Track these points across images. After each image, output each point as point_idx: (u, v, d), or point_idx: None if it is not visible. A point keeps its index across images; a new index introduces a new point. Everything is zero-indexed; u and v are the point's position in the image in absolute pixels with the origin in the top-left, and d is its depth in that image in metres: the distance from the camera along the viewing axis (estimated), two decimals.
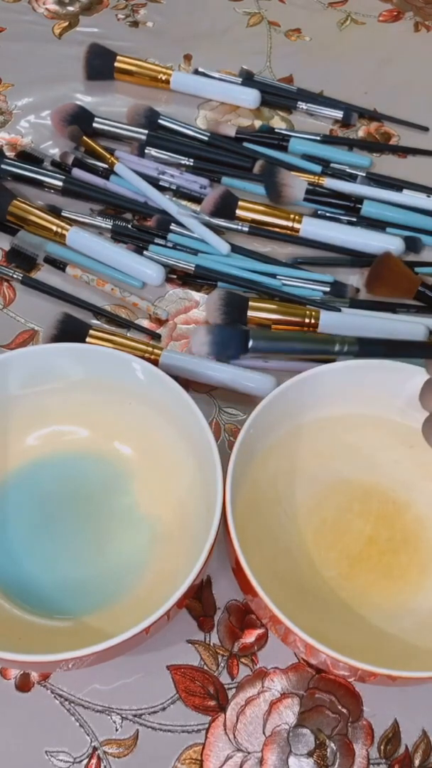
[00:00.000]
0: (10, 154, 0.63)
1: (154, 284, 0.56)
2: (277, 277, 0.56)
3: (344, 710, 0.41)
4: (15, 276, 0.55)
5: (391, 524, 0.45)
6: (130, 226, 0.58)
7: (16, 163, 0.60)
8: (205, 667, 0.42)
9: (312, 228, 0.59)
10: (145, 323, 0.55)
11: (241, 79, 0.69)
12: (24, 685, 0.41)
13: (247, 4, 0.78)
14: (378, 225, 0.60)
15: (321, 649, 0.35)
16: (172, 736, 0.40)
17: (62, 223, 0.57)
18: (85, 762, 0.39)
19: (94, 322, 0.54)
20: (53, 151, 0.64)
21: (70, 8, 0.75)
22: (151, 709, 0.41)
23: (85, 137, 0.62)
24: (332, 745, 0.40)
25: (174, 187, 0.61)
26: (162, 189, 0.60)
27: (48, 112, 0.65)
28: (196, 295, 0.57)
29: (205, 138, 0.64)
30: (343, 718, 0.41)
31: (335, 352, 0.33)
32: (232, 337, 0.33)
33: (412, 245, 0.59)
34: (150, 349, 0.51)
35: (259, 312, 0.53)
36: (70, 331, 0.51)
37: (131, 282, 0.56)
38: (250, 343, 0.33)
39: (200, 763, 0.39)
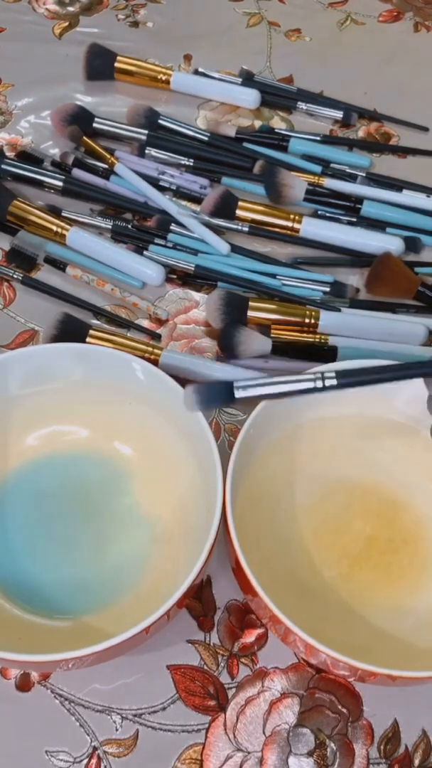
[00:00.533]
0: (10, 154, 0.63)
1: (154, 284, 0.56)
2: (277, 277, 0.56)
3: (344, 710, 0.41)
4: (15, 276, 0.56)
5: (391, 524, 0.45)
6: (130, 226, 0.58)
7: (16, 163, 0.60)
8: (205, 667, 0.42)
9: (312, 228, 0.59)
10: (145, 323, 0.55)
11: (241, 80, 0.69)
12: (24, 685, 0.41)
13: (247, 4, 0.78)
14: (378, 225, 0.60)
15: (321, 649, 0.35)
16: (172, 736, 0.40)
17: (62, 223, 0.57)
18: (85, 762, 0.39)
19: (94, 322, 0.54)
20: (53, 151, 0.64)
21: (70, 8, 0.75)
22: (151, 709, 0.41)
23: (85, 137, 0.62)
24: (332, 744, 0.40)
25: (174, 187, 0.61)
26: (162, 189, 0.60)
27: (48, 112, 0.65)
28: (196, 295, 0.57)
29: (205, 138, 0.64)
30: (343, 717, 0.41)
31: (317, 389, 0.34)
32: (219, 391, 0.35)
33: (412, 245, 0.59)
34: (150, 349, 0.51)
35: (259, 312, 0.53)
36: (70, 331, 0.51)
37: (131, 282, 0.56)
38: (237, 393, 0.34)
39: (200, 763, 0.39)
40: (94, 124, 0.63)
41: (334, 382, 0.34)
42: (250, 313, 0.53)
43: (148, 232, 0.58)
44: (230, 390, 0.34)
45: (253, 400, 0.38)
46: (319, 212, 0.61)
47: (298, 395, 0.35)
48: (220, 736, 0.40)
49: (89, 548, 0.44)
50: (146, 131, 0.63)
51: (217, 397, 0.35)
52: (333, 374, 0.35)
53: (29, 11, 0.75)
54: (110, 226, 0.58)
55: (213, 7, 0.77)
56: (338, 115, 0.68)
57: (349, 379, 0.35)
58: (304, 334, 0.53)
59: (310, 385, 0.35)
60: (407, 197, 0.61)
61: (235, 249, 0.58)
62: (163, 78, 0.68)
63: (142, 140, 0.63)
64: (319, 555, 0.44)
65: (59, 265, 0.57)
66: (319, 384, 0.35)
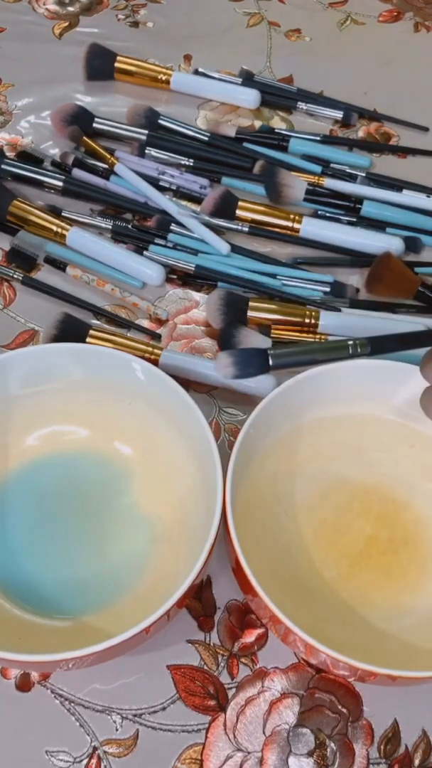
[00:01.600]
0: (10, 154, 0.63)
1: (154, 284, 0.56)
2: (277, 277, 0.56)
3: (344, 710, 0.41)
4: (15, 276, 0.56)
5: (391, 524, 0.45)
6: (130, 226, 0.58)
7: (16, 163, 0.60)
8: (205, 667, 0.42)
9: (312, 228, 0.59)
10: (145, 323, 0.55)
11: (241, 80, 0.69)
12: (24, 685, 0.41)
13: (247, 4, 0.78)
14: (378, 225, 0.60)
15: (321, 649, 0.35)
16: (172, 736, 0.40)
17: (62, 223, 0.57)
18: (85, 762, 0.39)
19: (94, 322, 0.54)
20: (53, 152, 0.64)
21: (70, 8, 0.75)
22: (151, 709, 0.41)
23: (85, 137, 0.62)
24: (332, 744, 0.40)
25: (174, 187, 0.61)
26: (162, 189, 0.60)
27: (48, 112, 0.65)
28: (196, 295, 0.57)
29: (205, 138, 0.64)
30: (343, 717, 0.41)
31: (350, 355, 0.34)
32: (253, 356, 0.34)
33: (412, 245, 0.59)
34: (150, 349, 0.51)
35: (259, 312, 0.53)
36: (70, 331, 0.51)
37: (131, 282, 0.56)
38: (271, 362, 0.34)
39: (200, 763, 0.39)
40: (94, 124, 0.63)
41: (368, 348, 0.34)
42: (250, 313, 0.53)
43: (148, 232, 0.58)
44: (265, 357, 0.34)
45: (254, 399, 0.38)
46: (319, 212, 0.61)
47: (332, 362, 0.35)
48: (220, 736, 0.40)
49: (89, 548, 0.44)
50: (146, 131, 0.63)
51: (252, 361, 0.34)
52: (365, 341, 0.34)
53: (29, 11, 0.75)
54: (110, 226, 0.58)
55: (213, 7, 0.77)
56: (338, 115, 0.68)
57: (381, 345, 0.35)
58: (304, 334, 0.53)
59: (344, 352, 0.34)
60: (407, 197, 0.61)
61: (235, 249, 0.58)
62: (163, 78, 0.68)
63: (142, 140, 0.63)
64: (319, 555, 0.44)
65: (59, 265, 0.57)
66: (351, 351, 0.34)
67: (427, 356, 0.37)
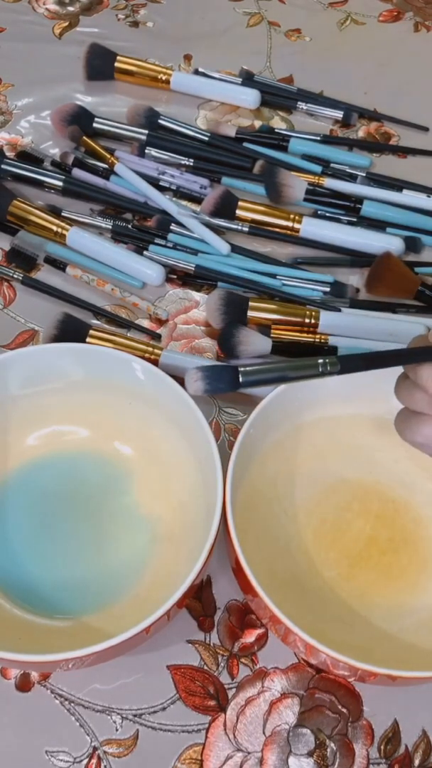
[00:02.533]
0: (10, 154, 0.63)
1: (154, 284, 0.56)
2: (277, 277, 0.56)
3: (344, 710, 0.41)
4: (15, 276, 0.56)
5: (391, 524, 0.45)
6: (130, 226, 0.58)
7: (16, 163, 0.60)
8: (205, 667, 0.42)
9: (312, 228, 0.59)
10: (145, 323, 0.55)
11: (241, 79, 0.69)
12: (24, 685, 0.41)
13: (247, 4, 0.78)
14: (378, 225, 0.60)
15: (321, 649, 0.35)
16: (172, 736, 0.40)
17: (62, 223, 0.57)
18: (85, 762, 0.39)
19: (94, 322, 0.54)
20: (53, 151, 0.64)
21: (70, 8, 0.75)
22: (151, 709, 0.41)
23: (85, 137, 0.62)
24: (332, 744, 0.40)
25: (174, 187, 0.61)
26: (162, 189, 0.60)
27: (48, 112, 0.65)
28: (196, 295, 0.57)
29: (205, 138, 0.64)
30: (343, 717, 0.41)
31: (320, 373, 0.34)
32: (223, 372, 0.34)
33: (412, 245, 0.59)
34: (150, 349, 0.51)
35: (259, 312, 0.53)
36: (70, 331, 0.51)
37: (131, 282, 0.56)
38: (241, 379, 0.34)
39: (200, 763, 0.39)
40: (94, 124, 0.63)
41: (338, 367, 0.34)
42: (250, 313, 0.53)
43: (148, 232, 0.58)
44: (235, 374, 0.34)
45: (254, 399, 0.38)
46: (319, 212, 0.61)
47: (303, 380, 0.35)
48: (220, 736, 0.40)
49: (89, 548, 0.44)
50: (146, 131, 0.63)
51: (222, 378, 0.34)
52: (335, 360, 0.35)
53: (29, 11, 0.75)
54: (110, 226, 0.58)
55: (213, 7, 0.77)
56: (338, 115, 0.68)
57: (350, 364, 0.35)
58: (304, 334, 0.53)
59: (313, 371, 0.34)
60: (407, 197, 0.61)
61: (235, 249, 0.58)
62: (163, 78, 0.68)
63: (142, 140, 0.63)
64: (319, 555, 0.44)
65: (59, 265, 0.57)
66: (321, 369, 0.34)
67: (400, 378, 0.37)
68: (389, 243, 0.58)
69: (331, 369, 0.34)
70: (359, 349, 0.52)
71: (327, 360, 0.34)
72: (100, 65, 0.68)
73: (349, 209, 0.61)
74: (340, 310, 0.54)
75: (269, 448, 0.45)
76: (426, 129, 0.68)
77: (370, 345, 0.52)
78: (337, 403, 0.46)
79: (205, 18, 0.76)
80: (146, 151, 0.62)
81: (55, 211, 0.58)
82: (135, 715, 0.40)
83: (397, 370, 0.46)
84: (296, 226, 0.59)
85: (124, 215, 0.60)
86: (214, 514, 0.38)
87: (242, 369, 0.34)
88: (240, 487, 0.41)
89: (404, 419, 0.37)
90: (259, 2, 0.78)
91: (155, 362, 0.50)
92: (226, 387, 0.35)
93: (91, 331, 0.51)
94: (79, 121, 0.63)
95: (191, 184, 0.61)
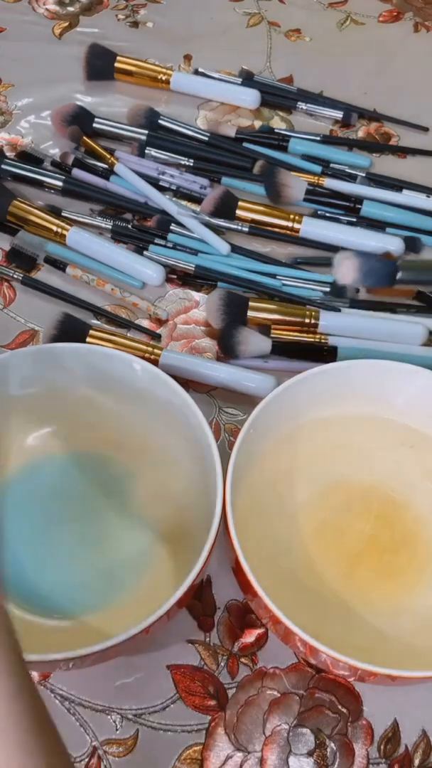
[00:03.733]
0: (10, 154, 0.63)
1: (154, 284, 0.56)
2: (277, 277, 0.56)
3: (344, 710, 0.41)
4: (15, 276, 0.56)
5: (391, 524, 0.45)
6: (130, 226, 0.58)
7: (16, 163, 0.60)
8: (205, 667, 0.42)
9: (312, 228, 0.59)
10: (145, 323, 0.55)
11: (241, 80, 0.69)
12: None
13: (247, 4, 0.78)
14: (378, 225, 0.60)
15: (321, 649, 0.35)
16: (172, 736, 0.40)
17: (62, 223, 0.57)
18: (85, 762, 0.39)
19: (94, 322, 0.54)
20: (53, 152, 0.64)
21: (70, 8, 0.75)
22: (151, 709, 0.41)
23: (85, 137, 0.62)
24: (332, 744, 0.40)
25: (174, 188, 0.61)
26: (162, 189, 0.60)
27: (48, 112, 0.65)
28: (196, 295, 0.57)
29: (205, 138, 0.64)
30: (343, 717, 0.41)
31: None
32: (381, 267, 0.33)
33: (411, 245, 0.59)
34: (150, 349, 0.51)
35: (259, 312, 0.53)
36: (70, 331, 0.51)
37: (131, 282, 0.56)
38: (399, 274, 0.33)
39: (200, 762, 0.39)
40: (94, 124, 0.63)
41: None
42: (250, 313, 0.53)
43: (148, 232, 0.58)
44: (394, 269, 0.33)
45: (254, 399, 0.37)
46: (319, 212, 0.61)
47: None
48: (220, 736, 0.40)
49: (89, 548, 0.44)
50: (146, 131, 0.63)
51: (380, 271, 0.33)
52: None
53: (29, 11, 0.75)
54: (110, 226, 0.58)
55: (213, 7, 0.77)
56: (338, 115, 0.68)
57: None
58: (304, 334, 0.53)
59: None
60: (407, 197, 0.61)
61: (235, 249, 0.58)
62: (163, 78, 0.68)
63: (142, 140, 0.63)
64: (319, 555, 0.44)
65: (59, 265, 0.57)
66: None
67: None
68: (389, 243, 0.58)
69: None
70: (360, 349, 0.52)
71: None
72: (100, 65, 0.68)
73: (349, 209, 0.61)
74: (340, 310, 0.54)
75: (269, 448, 0.45)
76: (426, 129, 0.68)
77: (370, 345, 0.52)
78: (337, 403, 0.46)
79: (205, 18, 0.76)
80: (146, 151, 0.62)
81: (55, 211, 0.58)
82: (135, 715, 0.40)
83: (397, 370, 0.46)
84: (296, 226, 0.59)
85: (124, 215, 0.60)
86: (214, 514, 0.38)
87: (400, 262, 0.33)
88: (240, 487, 0.41)
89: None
90: (259, 2, 0.78)
91: (155, 362, 0.50)
92: (385, 281, 0.33)
93: (91, 331, 0.51)
94: (79, 121, 0.63)
95: (191, 184, 0.61)
